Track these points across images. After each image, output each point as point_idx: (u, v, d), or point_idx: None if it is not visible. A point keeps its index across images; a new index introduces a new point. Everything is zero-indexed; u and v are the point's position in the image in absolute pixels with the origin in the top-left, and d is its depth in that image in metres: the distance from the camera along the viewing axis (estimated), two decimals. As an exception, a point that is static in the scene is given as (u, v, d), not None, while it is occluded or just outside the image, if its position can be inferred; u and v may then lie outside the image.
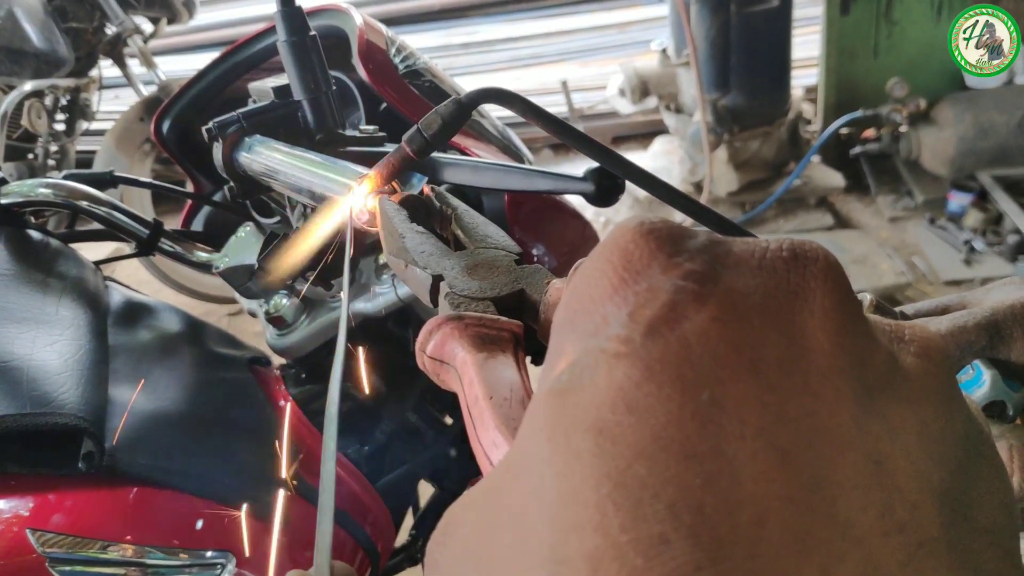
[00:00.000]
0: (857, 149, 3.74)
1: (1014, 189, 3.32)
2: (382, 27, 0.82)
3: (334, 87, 0.67)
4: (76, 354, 0.73)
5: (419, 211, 0.43)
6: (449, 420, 0.98)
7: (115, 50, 3.18)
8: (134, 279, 3.57)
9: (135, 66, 3.23)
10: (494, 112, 0.92)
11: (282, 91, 0.69)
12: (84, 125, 3.31)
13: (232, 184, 0.69)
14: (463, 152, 0.77)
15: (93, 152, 3.13)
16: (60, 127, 3.23)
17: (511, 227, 0.78)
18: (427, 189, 0.44)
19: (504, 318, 0.32)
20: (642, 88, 3.64)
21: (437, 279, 0.37)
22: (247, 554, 0.74)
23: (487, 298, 0.35)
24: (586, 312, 0.21)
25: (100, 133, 3.34)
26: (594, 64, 4.79)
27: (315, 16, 0.83)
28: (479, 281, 0.36)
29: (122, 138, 3.04)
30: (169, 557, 0.69)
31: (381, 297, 0.77)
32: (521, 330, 0.32)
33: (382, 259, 0.79)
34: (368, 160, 0.58)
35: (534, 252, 0.85)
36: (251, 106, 0.68)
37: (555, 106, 4.46)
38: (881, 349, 0.21)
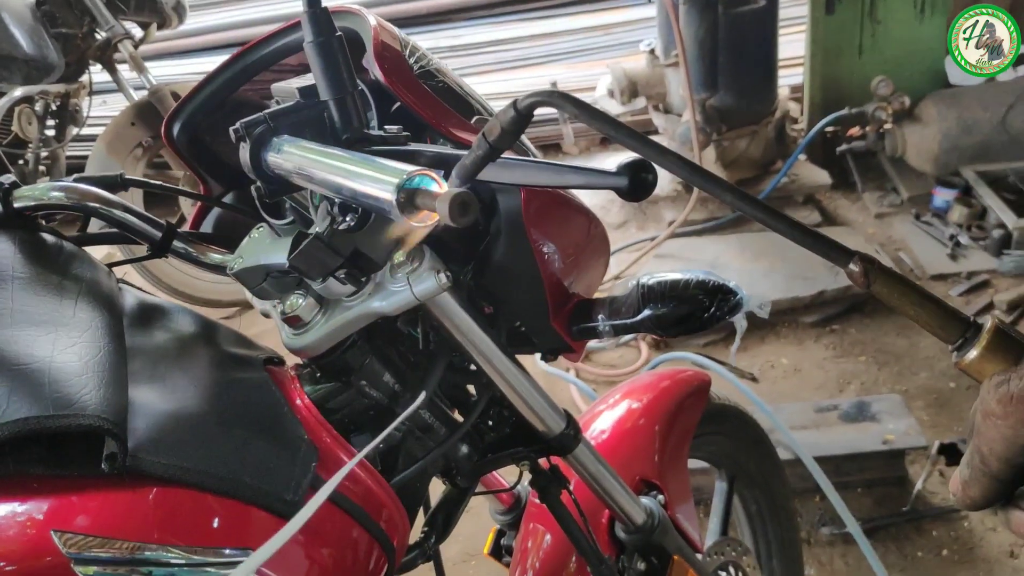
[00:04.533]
0: (843, 147, 3.78)
1: (997, 184, 3.36)
2: (395, 28, 0.82)
3: (360, 87, 0.68)
4: (96, 356, 0.73)
5: None
6: (460, 417, 0.99)
7: (105, 55, 3.17)
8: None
9: (125, 71, 3.22)
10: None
11: (308, 91, 0.70)
12: (74, 131, 3.30)
13: (259, 184, 0.70)
14: (468, 144, 0.78)
15: (83, 158, 3.12)
16: (50, 133, 3.22)
17: (528, 228, 0.79)
18: None
19: None
20: (631, 89, 3.66)
21: None
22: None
23: None
24: None
25: (90, 139, 3.33)
26: (581, 66, 4.81)
27: None
28: None
29: (113, 143, 3.03)
30: (191, 555, 0.69)
31: (397, 295, 0.77)
32: None
33: (397, 258, 0.80)
34: (395, 159, 0.59)
35: (545, 251, 0.86)
36: (277, 107, 0.69)
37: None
38: None
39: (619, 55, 4.63)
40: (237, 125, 0.67)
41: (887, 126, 3.60)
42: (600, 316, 0.88)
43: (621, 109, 3.75)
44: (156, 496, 0.70)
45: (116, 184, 0.91)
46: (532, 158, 0.56)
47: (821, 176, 3.69)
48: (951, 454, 2.24)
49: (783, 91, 3.82)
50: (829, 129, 3.77)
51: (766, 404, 2.28)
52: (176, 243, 0.89)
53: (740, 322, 0.85)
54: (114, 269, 0.90)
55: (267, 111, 0.68)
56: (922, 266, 3.22)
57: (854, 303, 3.03)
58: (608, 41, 4.89)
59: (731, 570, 1.38)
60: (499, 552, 1.30)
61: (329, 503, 0.81)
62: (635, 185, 0.48)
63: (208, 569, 0.71)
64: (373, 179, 0.53)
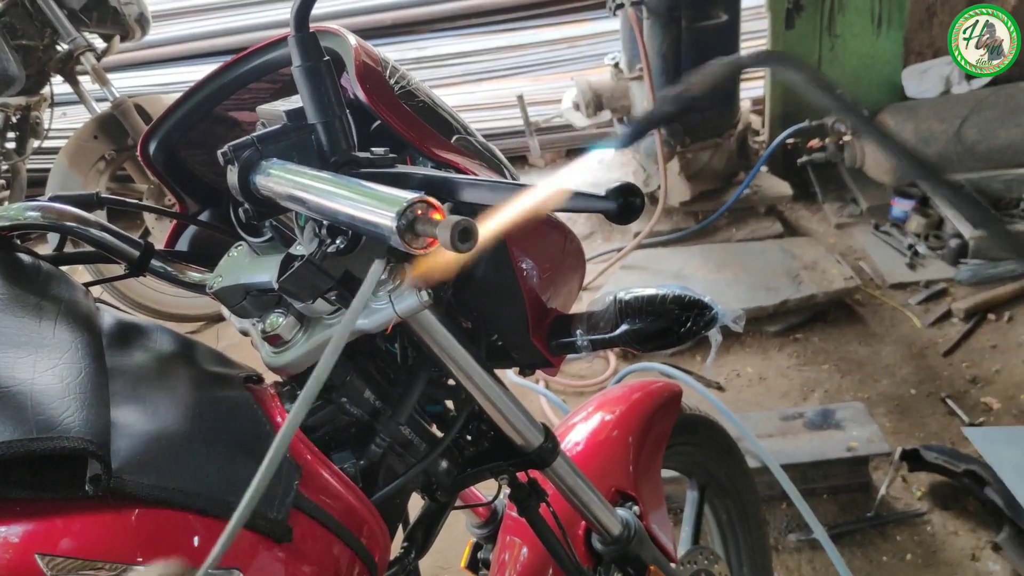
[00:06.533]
0: (803, 158, 3.85)
1: (954, 195, 3.44)
2: (374, 49, 0.83)
3: (348, 111, 0.69)
4: (77, 377, 0.73)
5: None
6: (439, 432, 1.00)
7: (67, 67, 3.13)
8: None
9: (87, 83, 3.18)
10: (474, 125, 0.94)
11: (295, 114, 0.71)
12: (35, 143, 3.25)
13: (247, 207, 0.70)
14: (458, 170, 0.79)
15: (45, 171, 3.07)
16: (10, 146, 3.16)
17: (509, 245, 0.81)
18: None
19: None
20: (596, 102, 3.69)
21: None
22: (253, 571, 0.74)
23: None
24: None
25: (52, 152, 3.28)
26: (547, 78, 4.84)
27: None
28: None
29: (75, 156, 2.99)
30: (179, 576, 0.69)
31: (378, 314, 0.78)
32: None
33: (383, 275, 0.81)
34: (384, 182, 0.60)
35: (525, 267, 0.88)
36: (264, 130, 0.69)
37: (511, 119, 4.50)
38: None
39: (584, 68, 4.67)
40: (225, 148, 0.68)
41: (846, 138, 3.68)
42: (578, 331, 0.90)
43: (586, 122, 3.79)
44: (140, 517, 0.70)
45: (92, 203, 0.90)
46: (521, 181, 0.57)
47: (783, 187, 3.75)
48: (913, 460, 2.29)
49: (745, 104, 3.89)
50: (790, 141, 3.83)
51: (733, 413, 2.31)
52: (154, 262, 0.89)
53: (715, 336, 0.87)
54: (90, 289, 0.90)
55: (255, 134, 0.68)
56: (882, 275, 3.29)
57: (816, 312, 3.09)
58: (573, 54, 4.93)
59: (704, 577, 1.40)
60: (475, 565, 1.30)
61: (311, 520, 0.81)
62: (623, 208, 0.50)
63: None
64: (372, 205, 0.53)
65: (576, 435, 1.33)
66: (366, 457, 0.90)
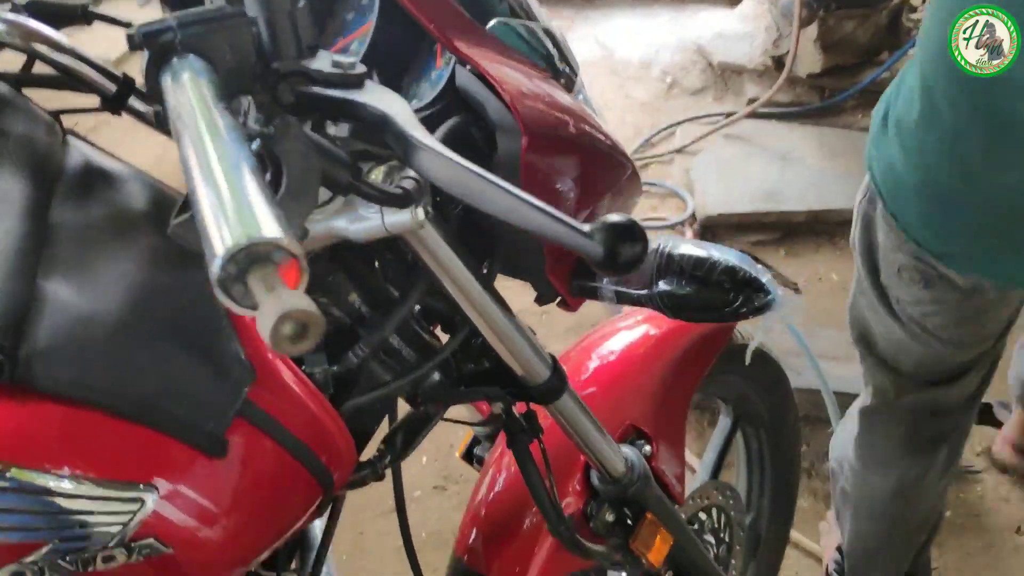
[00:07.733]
0: (961, 48, 3.40)
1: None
2: None
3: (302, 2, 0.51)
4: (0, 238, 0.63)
5: None
6: (439, 343, 0.89)
7: None
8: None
9: None
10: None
11: None
12: None
13: (160, 107, 0.55)
14: (478, 72, 0.62)
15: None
16: None
17: (523, 180, 0.65)
18: None
19: None
20: (739, -58, 3.28)
21: None
22: (180, 488, 0.66)
23: None
24: None
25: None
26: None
27: None
28: None
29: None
30: (80, 487, 0.62)
31: (365, 222, 0.65)
32: None
33: (375, 175, 0.67)
34: (332, 110, 0.44)
35: (559, 187, 0.73)
36: (193, 10, 0.52)
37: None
38: None
39: None
40: (134, 29, 0.51)
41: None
42: (605, 278, 0.75)
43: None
44: (50, 414, 0.62)
45: (76, 16, 0.77)
46: (503, 183, 0.42)
47: (928, 77, 3.34)
48: (983, 413, 2.11)
49: (910, -28, 3.41)
50: (951, 25, 3.37)
51: (804, 321, 2.16)
52: (133, 100, 0.76)
53: (765, 325, 0.71)
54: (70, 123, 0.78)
55: (176, 15, 0.51)
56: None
57: (925, 227, 2.81)
58: None
59: (713, 513, 1.31)
60: (471, 458, 1.23)
61: (257, 430, 0.72)
62: (609, 257, 0.34)
63: (112, 502, 0.64)
64: (223, 211, 0.36)
65: (603, 350, 1.20)
66: (342, 364, 0.79)
